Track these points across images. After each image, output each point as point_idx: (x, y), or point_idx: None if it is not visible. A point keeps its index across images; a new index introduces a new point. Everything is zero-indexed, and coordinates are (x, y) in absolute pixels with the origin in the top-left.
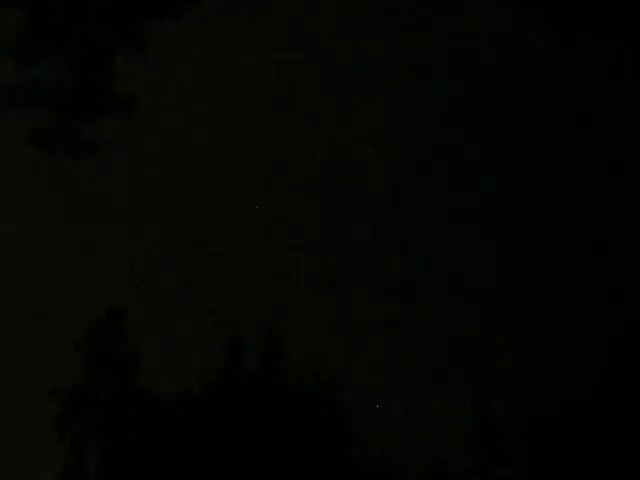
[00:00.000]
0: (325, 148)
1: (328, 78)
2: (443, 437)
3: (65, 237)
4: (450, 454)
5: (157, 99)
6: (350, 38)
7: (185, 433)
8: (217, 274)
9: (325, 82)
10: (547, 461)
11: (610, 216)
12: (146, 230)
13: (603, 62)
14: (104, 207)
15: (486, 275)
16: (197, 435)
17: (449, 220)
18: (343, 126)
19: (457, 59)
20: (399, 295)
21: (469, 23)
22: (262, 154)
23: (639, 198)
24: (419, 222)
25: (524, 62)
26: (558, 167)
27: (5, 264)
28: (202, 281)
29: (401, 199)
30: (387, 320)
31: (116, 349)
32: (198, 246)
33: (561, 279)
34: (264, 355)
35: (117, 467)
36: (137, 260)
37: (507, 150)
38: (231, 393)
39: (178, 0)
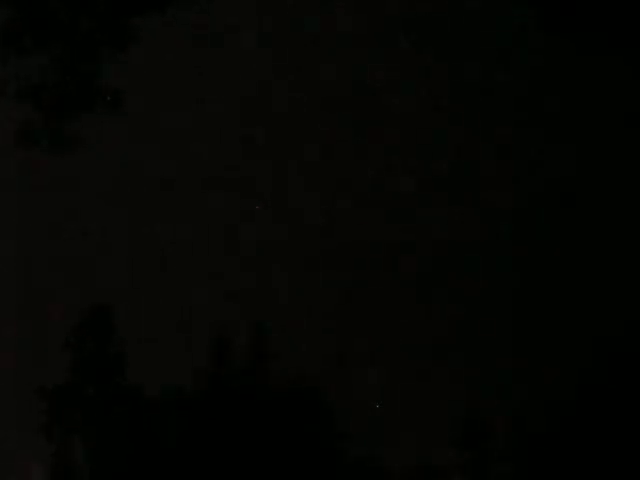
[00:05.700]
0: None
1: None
2: (428, 433)
3: (51, 234)
4: (434, 450)
5: (144, 94)
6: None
7: (172, 430)
8: (205, 273)
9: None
10: (531, 458)
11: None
12: (134, 227)
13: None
14: (90, 203)
15: (474, 278)
16: (184, 433)
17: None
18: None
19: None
20: (388, 299)
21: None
22: (250, 150)
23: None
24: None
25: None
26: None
27: None
28: (189, 280)
29: None
30: (373, 320)
31: (104, 347)
32: (187, 243)
33: (548, 283)
34: (251, 353)
35: (104, 464)
36: (125, 258)
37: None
38: (219, 391)
39: None
